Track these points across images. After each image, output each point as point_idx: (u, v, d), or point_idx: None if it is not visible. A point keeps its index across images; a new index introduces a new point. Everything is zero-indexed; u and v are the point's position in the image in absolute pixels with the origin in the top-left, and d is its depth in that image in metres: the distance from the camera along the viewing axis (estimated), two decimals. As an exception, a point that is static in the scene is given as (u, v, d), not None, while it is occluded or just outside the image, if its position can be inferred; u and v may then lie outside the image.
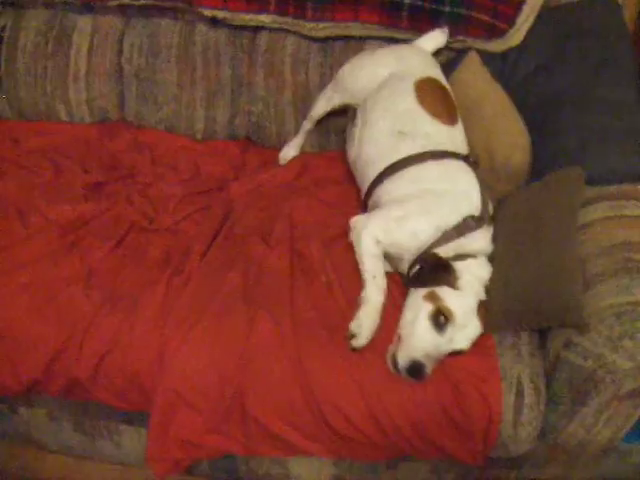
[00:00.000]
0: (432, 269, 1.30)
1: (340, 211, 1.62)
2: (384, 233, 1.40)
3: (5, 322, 1.40)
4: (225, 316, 1.36)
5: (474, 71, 1.68)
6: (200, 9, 1.80)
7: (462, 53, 1.74)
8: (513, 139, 1.55)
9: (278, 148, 1.86)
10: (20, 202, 1.65)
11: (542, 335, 1.38)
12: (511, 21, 1.72)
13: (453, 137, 1.53)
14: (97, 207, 1.65)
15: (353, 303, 1.36)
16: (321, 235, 1.55)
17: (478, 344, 1.33)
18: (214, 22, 1.83)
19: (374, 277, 1.36)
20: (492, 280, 1.37)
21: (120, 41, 1.87)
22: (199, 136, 1.90)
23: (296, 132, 1.86)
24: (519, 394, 1.28)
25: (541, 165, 1.55)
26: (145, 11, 1.86)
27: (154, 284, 1.43)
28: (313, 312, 1.38)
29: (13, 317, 1.40)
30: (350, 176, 1.72)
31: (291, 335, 1.33)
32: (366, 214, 1.50)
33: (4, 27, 1.89)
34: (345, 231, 1.50)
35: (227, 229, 1.59)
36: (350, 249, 1.45)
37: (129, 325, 1.36)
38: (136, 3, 1.84)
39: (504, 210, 1.49)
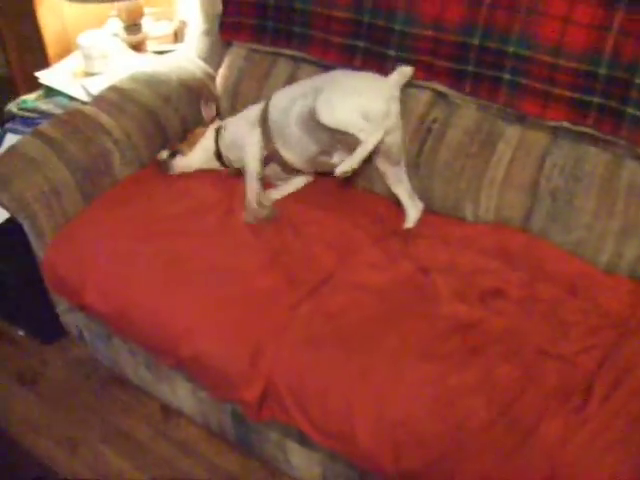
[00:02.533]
0: None
1: None
2: None
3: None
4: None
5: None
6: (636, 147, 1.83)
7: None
8: None
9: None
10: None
11: None
12: None
13: None
14: (493, 314, 1.72)
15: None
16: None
17: None
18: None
19: None
20: None
21: (543, 158, 1.96)
22: (599, 268, 1.90)
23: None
24: None
25: None
26: (575, 135, 1.92)
27: (552, 416, 1.46)
28: None
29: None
30: None
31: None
32: None
33: (435, 119, 2.06)
34: None
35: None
36: None
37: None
38: (574, 128, 1.89)
39: None
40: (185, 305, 1.80)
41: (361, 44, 2.10)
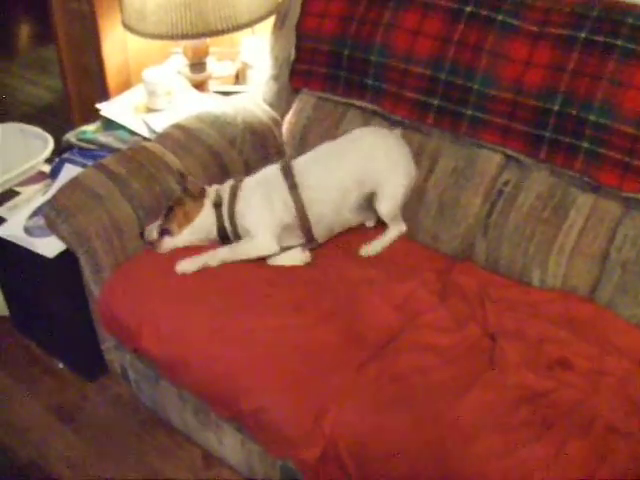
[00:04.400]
0: None
1: None
2: None
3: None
4: None
5: None
6: None
7: None
8: None
9: None
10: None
11: None
12: None
13: None
14: (562, 386, 1.72)
15: None
16: None
17: None
18: None
19: None
20: None
21: (614, 228, 1.97)
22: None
23: None
24: None
25: None
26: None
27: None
28: None
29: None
30: None
31: None
32: None
33: (507, 182, 2.07)
34: None
35: None
36: None
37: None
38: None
39: None
40: (248, 357, 1.81)
41: (435, 102, 2.14)
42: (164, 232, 2.09)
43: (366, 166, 2.12)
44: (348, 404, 1.69)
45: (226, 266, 2.04)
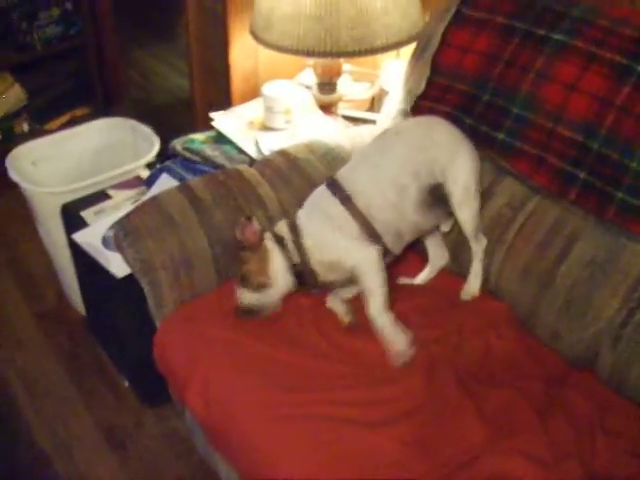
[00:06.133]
0: None
1: None
2: None
3: None
4: None
5: None
6: None
7: None
8: None
9: None
10: None
11: None
12: None
13: None
14: None
15: None
16: None
17: None
18: None
19: None
20: None
21: None
22: None
23: None
24: None
25: None
26: None
27: None
28: None
29: None
30: None
31: None
32: None
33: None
34: None
35: None
36: None
37: None
38: None
39: None
40: (293, 452, 1.50)
41: (582, 175, 1.74)
42: (260, 291, 1.75)
43: (417, 157, 1.82)
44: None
45: (299, 331, 1.77)
